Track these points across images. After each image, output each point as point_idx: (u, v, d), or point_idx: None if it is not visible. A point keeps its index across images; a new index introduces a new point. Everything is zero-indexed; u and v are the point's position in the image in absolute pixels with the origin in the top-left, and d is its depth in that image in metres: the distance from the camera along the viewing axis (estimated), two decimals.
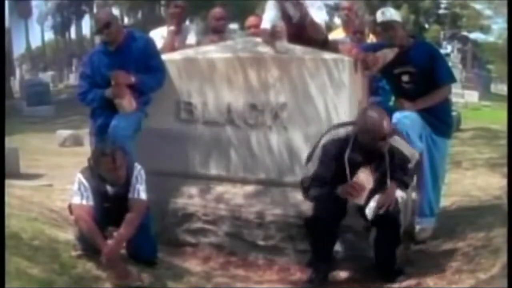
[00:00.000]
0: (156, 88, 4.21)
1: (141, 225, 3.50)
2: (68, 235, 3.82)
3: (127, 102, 4.02)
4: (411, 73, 4.02)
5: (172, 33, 5.22)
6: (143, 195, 3.51)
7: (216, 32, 5.25)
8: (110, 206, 3.45)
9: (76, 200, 3.40)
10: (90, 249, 3.42)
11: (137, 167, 3.56)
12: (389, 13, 4.04)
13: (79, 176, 3.45)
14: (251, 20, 5.33)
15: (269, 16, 4.50)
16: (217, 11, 5.45)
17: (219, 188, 4.21)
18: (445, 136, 4.18)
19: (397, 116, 3.91)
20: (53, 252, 3.39)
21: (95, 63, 4.19)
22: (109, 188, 3.47)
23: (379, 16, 4.05)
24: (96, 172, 3.43)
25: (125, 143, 3.73)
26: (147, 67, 4.15)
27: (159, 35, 5.23)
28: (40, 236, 3.62)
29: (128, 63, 4.10)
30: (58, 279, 3.06)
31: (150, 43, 4.35)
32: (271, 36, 4.17)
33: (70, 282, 3.09)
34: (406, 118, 3.90)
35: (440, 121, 4.11)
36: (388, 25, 4.01)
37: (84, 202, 3.38)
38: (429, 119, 4.01)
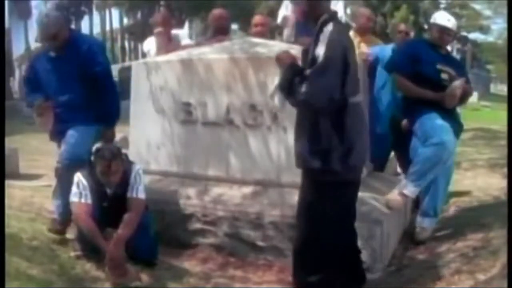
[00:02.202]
0: (116, 117, 4.03)
1: (141, 225, 3.50)
2: (67, 235, 3.83)
3: (44, 123, 3.94)
4: (450, 75, 4.18)
5: (160, 34, 5.21)
6: (141, 195, 3.51)
7: (220, 34, 5.12)
8: (109, 206, 3.46)
9: (75, 198, 3.40)
10: (88, 249, 3.42)
11: (136, 167, 3.57)
12: (453, 23, 4.31)
13: (78, 175, 3.46)
14: (257, 19, 5.32)
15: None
16: (218, 11, 5.31)
17: (218, 189, 4.21)
18: (457, 136, 4.25)
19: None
20: (52, 252, 3.40)
21: (39, 69, 4.03)
22: (107, 188, 3.47)
23: (444, 21, 4.29)
24: (94, 171, 3.44)
25: (80, 162, 3.63)
26: (92, 73, 3.89)
27: (154, 43, 5.27)
28: (39, 236, 3.62)
29: (71, 69, 3.88)
30: (57, 279, 3.07)
31: (94, 48, 3.99)
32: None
33: (69, 283, 3.09)
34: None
35: (454, 121, 4.22)
36: (447, 32, 4.29)
37: (82, 200, 3.39)
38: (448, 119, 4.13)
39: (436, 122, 4.04)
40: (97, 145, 3.54)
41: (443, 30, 4.27)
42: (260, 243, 3.91)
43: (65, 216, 3.72)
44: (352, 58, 2.89)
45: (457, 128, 4.22)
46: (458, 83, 4.09)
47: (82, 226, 3.37)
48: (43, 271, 3.08)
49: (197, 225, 4.08)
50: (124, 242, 3.35)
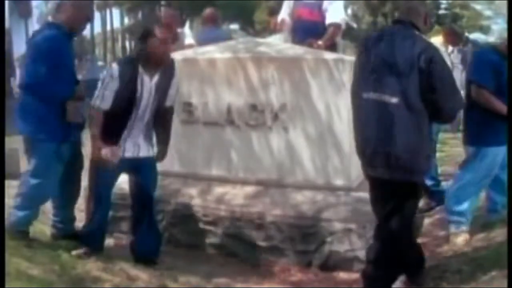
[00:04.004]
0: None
1: (149, 222, 3.55)
2: None
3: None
4: None
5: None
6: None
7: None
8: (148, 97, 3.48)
9: (97, 103, 3.42)
10: (91, 248, 3.45)
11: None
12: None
13: (113, 66, 3.47)
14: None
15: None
16: (208, 11, 5.91)
17: (219, 189, 4.21)
18: None
19: None
20: (53, 253, 3.39)
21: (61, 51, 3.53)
22: (146, 78, 3.46)
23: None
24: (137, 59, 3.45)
25: None
26: None
27: None
28: (40, 236, 3.62)
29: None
30: (58, 280, 3.06)
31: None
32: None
33: (70, 283, 3.09)
34: None
35: None
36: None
37: (101, 107, 3.41)
38: None
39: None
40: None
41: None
42: (261, 243, 3.91)
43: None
44: None
45: None
46: None
47: (94, 130, 3.42)
48: (44, 271, 3.08)
49: (198, 225, 4.08)
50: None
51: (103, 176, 3.50)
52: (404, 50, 2.82)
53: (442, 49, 4.14)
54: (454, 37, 5.83)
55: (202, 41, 5.13)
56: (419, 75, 2.76)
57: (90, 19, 3.76)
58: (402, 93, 2.77)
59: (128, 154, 3.50)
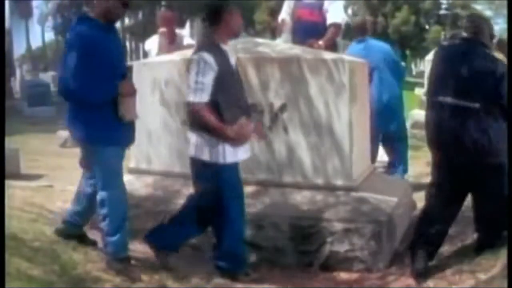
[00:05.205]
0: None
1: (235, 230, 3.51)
2: None
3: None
4: None
5: (163, 34, 5.26)
6: None
7: None
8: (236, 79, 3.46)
9: (196, 97, 3.29)
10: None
11: None
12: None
13: (202, 55, 3.31)
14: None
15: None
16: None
17: None
18: None
19: None
20: (53, 253, 3.40)
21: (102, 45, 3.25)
22: (233, 60, 3.46)
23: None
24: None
25: None
26: None
27: (155, 42, 5.31)
28: (40, 237, 3.62)
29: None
30: (58, 280, 3.06)
31: None
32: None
33: (70, 283, 3.09)
34: None
35: None
36: None
37: (203, 99, 3.29)
38: None
39: None
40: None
41: None
42: (261, 243, 3.91)
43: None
44: None
45: None
46: None
47: (207, 125, 3.31)
48: (44, 271, 3.08)
49: None
50: None
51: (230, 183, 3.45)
52: (480, 66, 3.38)
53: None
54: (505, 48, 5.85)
55: None
56: (494, 86, 3.32)
57: (126, 3, 3.39)
58: (482, 100, 3.33)
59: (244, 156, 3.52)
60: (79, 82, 3.13)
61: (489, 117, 3.36)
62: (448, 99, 3.40)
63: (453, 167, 3.50)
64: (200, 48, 3.40)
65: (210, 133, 3.31)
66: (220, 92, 3.29)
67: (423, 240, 3.53)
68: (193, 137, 3.41)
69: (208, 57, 3.27)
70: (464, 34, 3.52)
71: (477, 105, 3.33)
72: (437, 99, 3.47)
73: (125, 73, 3.45)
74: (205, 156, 3.36)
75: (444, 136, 3.46)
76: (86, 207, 3.61)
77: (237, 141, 3.35)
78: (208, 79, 3.25)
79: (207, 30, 3.42)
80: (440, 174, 3.60)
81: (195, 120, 3.36)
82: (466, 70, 3.38)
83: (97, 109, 3.22)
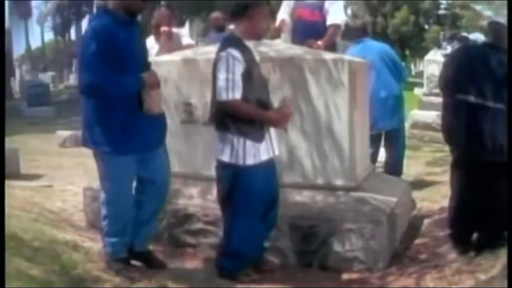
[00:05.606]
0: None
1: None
2: (68, 236, 3.83)
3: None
4: None
5: (166, 33, 5.26)
6: None
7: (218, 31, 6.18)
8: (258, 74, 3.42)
9: (229, 95, 3.24)
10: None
11: None
12: None
13: (229, 51, 3.26)
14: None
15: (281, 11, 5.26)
16: (215, 14, 6.56)
17: None
18: None
19: None
20: (53, 253, 3.39)
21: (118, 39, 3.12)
22: (257, 57, 3.42)
23: None
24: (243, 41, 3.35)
25: None
26: None
27: (151, 43, 5.31)
28: (40, 237, 3.62)
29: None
30: (58, 280, 3.06)
31: None
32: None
33: (70, 283, 3.09)
34: None
35: None
36: None
37: (237, 96, 3.25)
38: None
39: None
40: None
41: None
42: None
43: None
44: None
45: None
46: None
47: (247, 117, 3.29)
48: (44, 271, 3.08)
49: (198, 225, 4.08)
50: None
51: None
52: (499, 67, 3.56)
53: None
54: None
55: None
56: None
57: None
58: (503, 100, 3.50)
59: (265, 156, 3.43)
60: (101, 77, 3.02)
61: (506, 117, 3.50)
62: (471, 98, 3.56)
63: (473, 165, 3.64)
64: (226, 45, 3.33)
65: (237, 132, 3.28)
66: (246, 88, 3.26)
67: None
68: (217, 138, 3.39)
69: (236, 53, 3.23)
70: (483, 38, 3.68)
71: (500, 105, 3.50)
72: (458, 97, 3.62)
73: (148, 68, 3.38)
74: (226, 158, 3.35)
75: (464, 134, 3.61)
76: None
77: (281, 122, 3.40)
78: (238, 75, 3.22)
79: (233, 26, 3.44)
80: (459, 171, 3.78)
81: (223, 119, 3.30)
82: (490, 73, 3.56)
83: (116, 111, 3.13)
